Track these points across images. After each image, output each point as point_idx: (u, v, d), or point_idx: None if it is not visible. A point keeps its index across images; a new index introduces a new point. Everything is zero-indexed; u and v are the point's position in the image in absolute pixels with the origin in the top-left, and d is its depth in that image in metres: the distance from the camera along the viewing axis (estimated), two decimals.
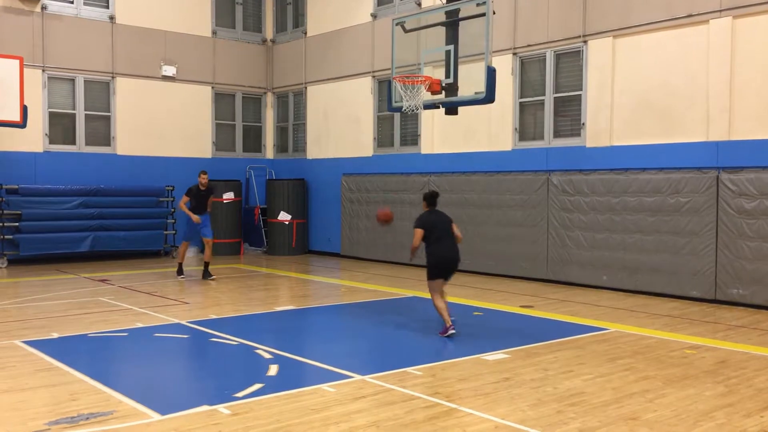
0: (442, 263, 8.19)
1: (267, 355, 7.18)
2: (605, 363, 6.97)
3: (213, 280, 12.78)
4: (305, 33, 17.88)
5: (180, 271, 13.04)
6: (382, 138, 16.10)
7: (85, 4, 15.96)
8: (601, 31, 11.88)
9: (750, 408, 5.60)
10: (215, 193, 13.48)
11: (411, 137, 15.41)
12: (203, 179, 12.82)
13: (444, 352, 7.40)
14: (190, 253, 16.97)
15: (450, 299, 10.79)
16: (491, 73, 9.50)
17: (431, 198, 8.44)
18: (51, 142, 15.66)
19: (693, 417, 5.37)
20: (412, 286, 12.12)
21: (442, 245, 8.18)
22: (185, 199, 12.75)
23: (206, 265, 12.98)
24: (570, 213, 12.14)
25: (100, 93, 16.31)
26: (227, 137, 18.46)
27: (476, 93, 9.78)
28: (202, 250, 17.26)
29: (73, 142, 15.97)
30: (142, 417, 5.26)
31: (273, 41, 18.90)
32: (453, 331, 8.08)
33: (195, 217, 12.60)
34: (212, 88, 17.95)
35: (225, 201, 17.09)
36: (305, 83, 17.90)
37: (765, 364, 6.99)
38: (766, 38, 10.10)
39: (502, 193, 13.16)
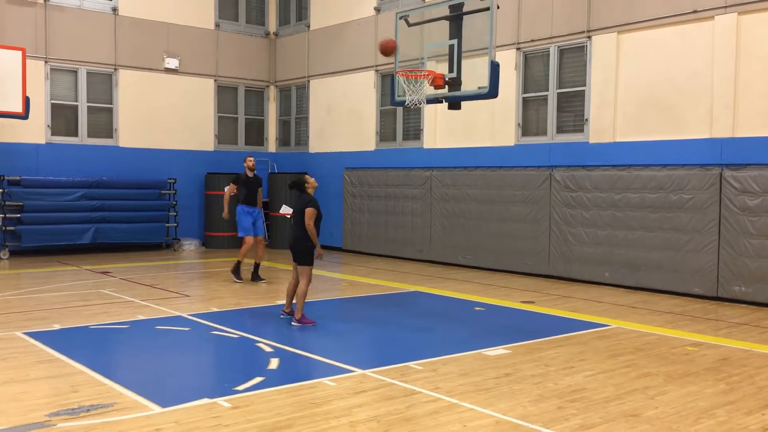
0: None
1: (268, 349, 7.18)
2: (606, 359, 6.96)
3: (264, 282, 11.64)
4: (308, 26, 17.84)
5: (237, 272, 11.69)
6: (385, 132, 16.07)
7: None
8: (606, 27, 11.84)
9: (751, 406, 5.59)
10: (261, 185, 11.93)
11: (413, 132, 15.38)
12: (250, 163, 11.68)
13: (445, 347, 7.39)
14: (192, 246, 16.99)
15: (452, 294, 10.83)
16: (495, 68, 9.46)
17: (290, 185, 8.80)
18: (53, 133, 15.65)
19: (694, 414, 5.36)
20: (414, 281, 12.11)
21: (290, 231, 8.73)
22: (232, 188, 11.56)
23: (257, 266, 11.75)
24: (572, 209, 12.11)
25: (103, 85, 16.29)
26: (229, 130, 18.44)
27: (479, 88, 9.74)
28: (203, 244, 17.35)
29: (76, 134, 15.96)
30: (143, 409, 5.26)
31: (276, 34, 18.85)
32: (282, 316, 8.74)
33: (226, 212, 11.58)
34: (215, 80, 17.92)
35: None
36: (308, 77, 17.87)
37: (767, 361, 6.97)
38: None
39: (505, 188, 13.14)
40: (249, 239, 11.49)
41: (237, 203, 11.73)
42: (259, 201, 11.82)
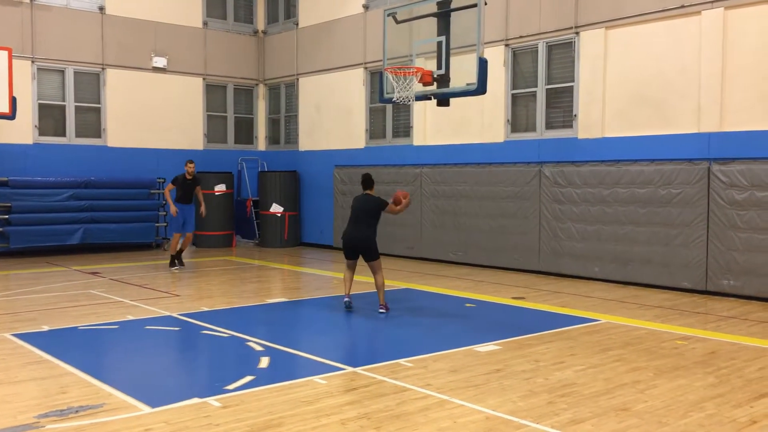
0: (344, 244, 9.22)
1: (258, 348, 7.17)
2: (596, 354, 6.99)
3: (177, 269, 12.94)
4: (297, 24, 17.80)
5: (173, 263, 13.13)
6: (375, 130, 16.06)
7: None
8: (594, 23, 11.87)
9: (740, 398, 5.63)
10: (202, 184, 13.67)
11: (403, 129, 15.38)
12: (190, 168, 13.04)
13: (435, 344, 7.40)
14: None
15: (443, 291, 10.84)
16: (483, 65, 9.48)
17: (362, 181, 9.28)
18: (41, 133, 15.56)
19: (683, 407, 5.39)
20: (404, 278, 12.12)
21: (348, 228, 9.16)
22: (170, 186, 12.94)
23: (179, 252, 13.14)
24: (562, 204, 12.14)
25: (91, 84, 16.20)
26: (219, 129, 18.38)
27: (468, 84, 9.76)
28: (192, 243, 17.26)
29: (64, 134, 15.87)
30: (132, 410, 5.24)
31: (265, 32, 18.80)
32: (346, 299, 9.22)
33: (173, 208, 12.81)
34: (203, 79, 17.85)
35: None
36: (297, 75, 17.83)
37: (755, 354, 7.02)
38: (758, 30, 10.10)
39: (494, 184, 13.16)
40: (177, 236, 13.09)
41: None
42: (200, 199, 13.21)
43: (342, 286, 9.81)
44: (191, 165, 13.11)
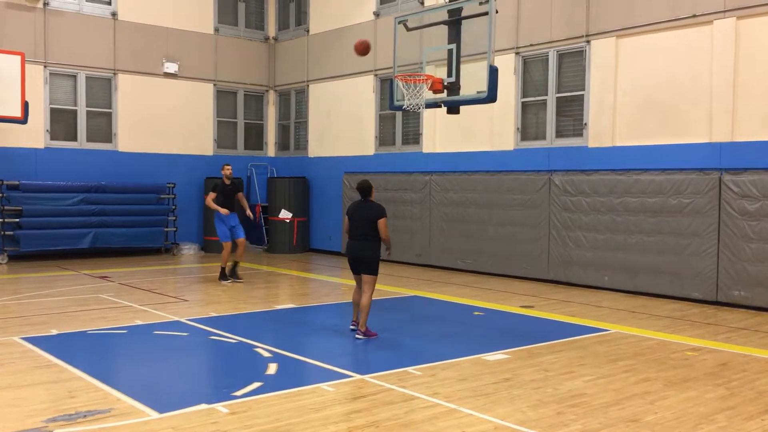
0: (348, 256, 8.28)
1: (266, 354, 7.16)
2: (606, 364, 6.94)
3: (240, 281, 12.15)
4: (308, 31, 17.85)
5: (223, 276, 12.13)
6: (384, 137, 16.07)
7: (87, 0, 15.94)
8: (605, 31, 11.84)
9: (751, 411, 5.57)
10: (242, 190, 12.50)
11: (413, 136, 15.38)
12: (227, 171, 12.16)
13: (444, 352, 7.37)
14: (191, 251, 16.97)
15: (451, 299, 10.81)
16: (493, 73, 9.46)
17: (358, 189, 8.25)
18: (52, 138, 15.64)
19: (694, 419, 5.34)
20: (413, 285, 12.09)
21: (350, 240, 8.24)
22: (212, 195, 11.97)
23: (236, 264, 12.29)
24: (572, 213, 12.10)
25: (102, 89, 16.29)
26: (229, 135, 18.43)
27: (478, 92, 9.74)
28: (202, 248, 17.32)
29: (75, 139, 15.95)
30: (140, 415, 5.24)
31: (275, 39, 18.87)
32: (352, 327, 8.35)
33: (224, 210, 11.81)
34: (214, 85, 17.92)
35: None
36: (307, 81, 17.87)
37: (766, 366, 6.95)
38: None
39: (504, 192, 13.12)
40: (228, 245, 12.05)
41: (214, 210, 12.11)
42: (243, 205, 12.43)
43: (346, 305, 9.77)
44: (228, 168, 12.20)
